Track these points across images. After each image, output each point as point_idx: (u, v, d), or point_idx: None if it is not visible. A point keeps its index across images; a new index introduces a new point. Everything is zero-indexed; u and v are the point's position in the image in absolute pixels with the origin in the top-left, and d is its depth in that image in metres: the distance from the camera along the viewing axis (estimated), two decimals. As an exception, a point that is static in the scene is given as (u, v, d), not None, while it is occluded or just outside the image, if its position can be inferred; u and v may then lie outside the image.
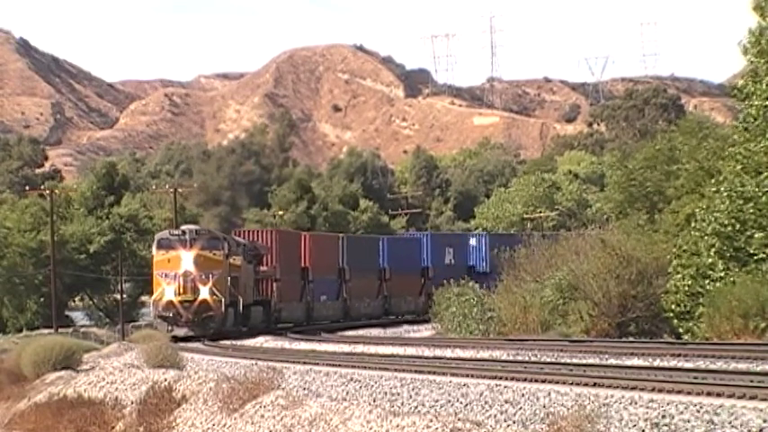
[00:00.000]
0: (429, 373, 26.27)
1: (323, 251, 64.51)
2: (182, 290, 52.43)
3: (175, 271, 52.62)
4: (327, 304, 64.57)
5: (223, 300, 52.37)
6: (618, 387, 20.67)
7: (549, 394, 20.77)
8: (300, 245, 63.03)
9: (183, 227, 56.73)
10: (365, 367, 29.17)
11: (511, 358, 31.59)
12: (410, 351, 37.88)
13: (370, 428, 19.70)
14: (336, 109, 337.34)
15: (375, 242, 71.99)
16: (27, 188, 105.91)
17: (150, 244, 61.41)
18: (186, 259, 52.66)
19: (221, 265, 52.96)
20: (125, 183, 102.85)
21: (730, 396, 18.50)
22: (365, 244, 71.81)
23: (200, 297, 52.30)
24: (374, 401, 23.03)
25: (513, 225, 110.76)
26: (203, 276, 52.39)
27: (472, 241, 74.60)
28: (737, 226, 37.66)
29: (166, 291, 52.53)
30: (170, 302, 52.43)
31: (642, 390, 20.10)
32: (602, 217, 72.78)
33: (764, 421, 16.43)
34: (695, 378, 21.48)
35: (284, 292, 60.44)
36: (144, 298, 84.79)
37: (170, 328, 52.13)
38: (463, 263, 71.60)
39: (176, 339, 49.33)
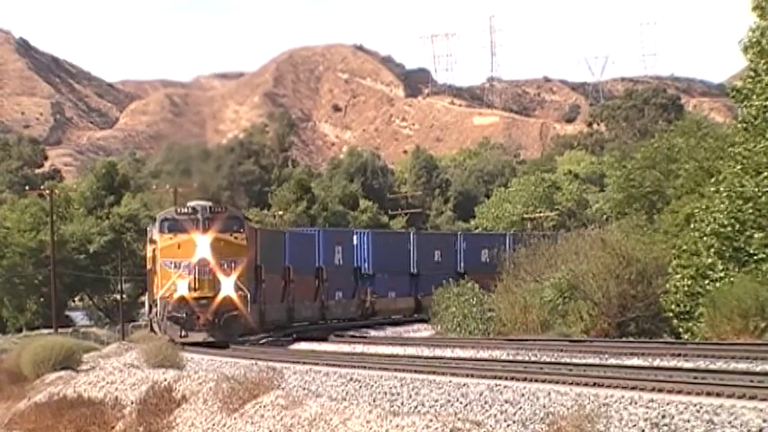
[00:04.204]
0: (429, 373, 26.26)
1: None
2: (197, 284, 43.23)
3: (188, 260, 43.29)
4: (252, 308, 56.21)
5: (249, 295, 43.76)
6: (618, 387, 20.68)
7: (549, 394, 20.77)
8: None
9: (193, 203, 45.56)
10: (365, 367, 29.16)
11: (511, 358, 31.61)
12: (410, 351, 37.92)
13: (370, 428, 19.70)
14: (336, 109, 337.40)
15: (281, 237, 59.74)
16: (27, 188, 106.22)
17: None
18: (202, 244, 43.29)
19: (245, 252, 44.20)
20: (125, 183, 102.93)
21: (730, 396, 18.50)
22: (274, 239, 59.12)
23: (222, 293, 43.24)
24: (374, 401, 23.04)
25: (512, 225, 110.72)
26: (225, 266, 43.33)
27: (355, 239, 65.29)
28: (737, 226, 37.68)
29: (178, 285, 43.26)
30: (182, 299, 43.22)
31: (642, 390, 20.11)
32: (601, 217, 72.59)
33: (764, 421, 16.45)
34: (695, 378, 21.48)
35: None
36: (144, 298, 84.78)
37: (183, 332, 43.05)
38: (350, 264, 63.38)
39: (200, 344, 41.67)
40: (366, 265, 64.14)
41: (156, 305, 44.92)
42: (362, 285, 63.45)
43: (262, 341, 47.54)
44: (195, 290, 43.21)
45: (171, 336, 43.05)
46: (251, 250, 45.99)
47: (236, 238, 43.99)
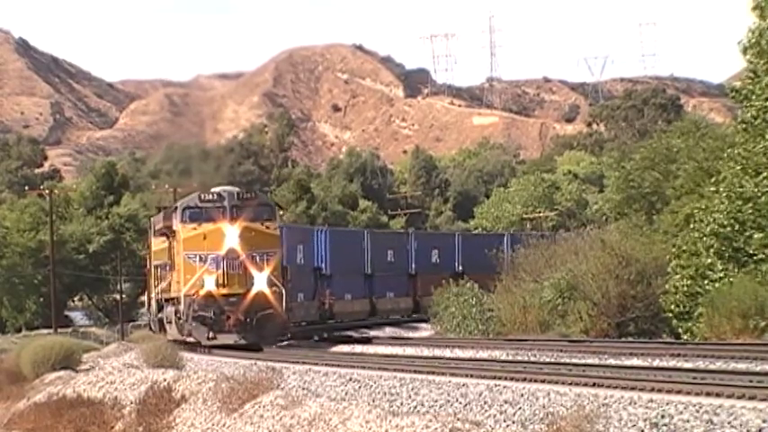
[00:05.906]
0: (428, 372, 26.23)
1: None
2: (226, 279, 39.18)
3: (216, 252, 39.23)
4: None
5: (284, 292, 39.92)
6: (617, 387, 20.65)
7: (549, 394, 20.74)
8: None
9: (218, 189, 41.18)
10: (364, 367, 29.13)
11: (510, 358, 31.59)
12: (409, 351, 37.88)
13: (370, 428, 19.69)
14: (336, 109, 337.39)
15: None
16: (26, 188, 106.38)
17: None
18: (230, 235, 39.17)
19: (278, 243, 40.77)
20: (125, 183, 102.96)
21: (730, 396, 18.48)
22: None
23: (255, 289, 39.16)
24: (373, 401, 23.03)
25: (512, 225, 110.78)
26: (257, 259, 39.38)
27: (314, 238, 61.51)
28: (736, 226, 37.66)
29: (205, 280, 39.18)
30: (210, 297, 39.02)
31: (641, 390, 20.08)
32: (601, 217, 72.56)
33: (764, 421, 16.42)
34: (695, 378, 21.47)
35: None
36: (145, 298, 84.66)
37: (211, 334, 38.97)
38: (310, 263, 59.40)
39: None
40: (324, 265, 60.16)
41: (179, 303, 40.74)
42: (321, 286, 59.33)
43: (283, 343, 43.81)
44: (224, 286, 39.22)
45: (197, 338, 39.58)
46: (285, 242, 41.95)
47: (267, 227, 40.06)
